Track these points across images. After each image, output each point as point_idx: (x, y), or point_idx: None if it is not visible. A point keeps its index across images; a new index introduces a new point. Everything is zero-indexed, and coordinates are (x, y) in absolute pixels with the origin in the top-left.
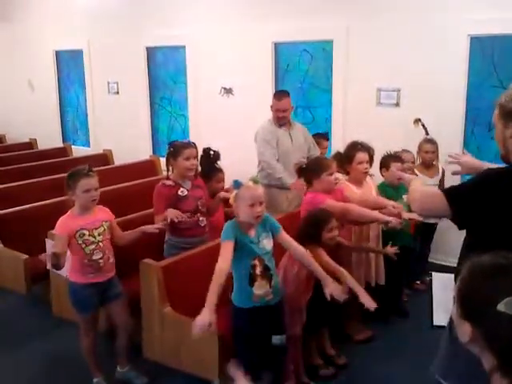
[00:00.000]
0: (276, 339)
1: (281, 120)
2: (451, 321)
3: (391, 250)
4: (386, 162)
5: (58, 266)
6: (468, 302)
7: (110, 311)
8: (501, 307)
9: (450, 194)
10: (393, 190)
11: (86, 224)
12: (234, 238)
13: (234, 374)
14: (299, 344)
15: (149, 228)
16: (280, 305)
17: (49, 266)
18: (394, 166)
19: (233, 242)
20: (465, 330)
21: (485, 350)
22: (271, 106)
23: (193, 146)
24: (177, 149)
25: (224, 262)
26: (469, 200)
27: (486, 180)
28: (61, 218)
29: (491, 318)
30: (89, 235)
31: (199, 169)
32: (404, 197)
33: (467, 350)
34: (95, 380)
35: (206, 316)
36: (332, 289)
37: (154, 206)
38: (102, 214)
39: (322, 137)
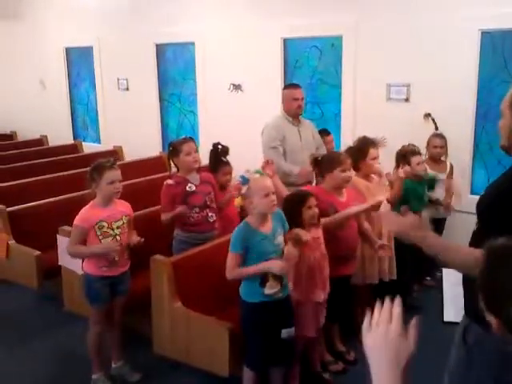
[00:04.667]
0: (284, 333)
1: (299, 110)
2: (465, 330)
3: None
4: (404, 158)
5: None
6: (487, 292)
7: (113, 305)
8: None
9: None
10: (416, 183)
11: (106, 216)
12: (243, 249)
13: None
14: (313, 345)
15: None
16: (288, 298)
17: (60, 262)
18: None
19: (240, 254)
20: (491, 321)
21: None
22: (285, 99)
23: (191, 140)
24: (176, 146)
25: (229, 273)
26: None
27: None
28: (83, 209)
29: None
30: (108, 227)
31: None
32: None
33: (481, 361)
34: (94, 376)
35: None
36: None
37: (161, 204)
38: (123, 208)
39: (324, 133)
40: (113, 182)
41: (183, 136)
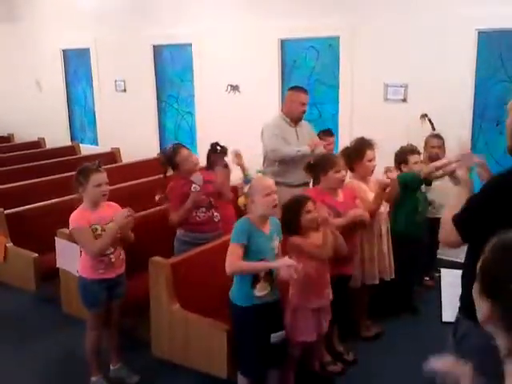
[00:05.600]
0: (274, 337)
1: (302, 115)
2: (456, 324)
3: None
4: (403, 157)
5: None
6: (487, 277)
7: (110, 308)
8: None
9: (456, 221)
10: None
11: (98, 219)
12: (246, 241)
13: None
14: (312, 348)
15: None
16: (279, 302)
17: (58, 264)
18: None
19: (244, 245)
20: (482, 307)
21: (500, 330)
22: (289, 100)
23: (181, 146)
24: (172, 159)
25: (230, 267)
26: (477, 221)
27: (495, 194)
28: (74, 213)
29: (509, 294)
30: (101, 230)
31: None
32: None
33: (468, 354)
34: (94, 379)
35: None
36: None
37: (170, 203)
38: (112, 210)
39: (327, 133)
40: (99, 185)
41: (170, 145)
